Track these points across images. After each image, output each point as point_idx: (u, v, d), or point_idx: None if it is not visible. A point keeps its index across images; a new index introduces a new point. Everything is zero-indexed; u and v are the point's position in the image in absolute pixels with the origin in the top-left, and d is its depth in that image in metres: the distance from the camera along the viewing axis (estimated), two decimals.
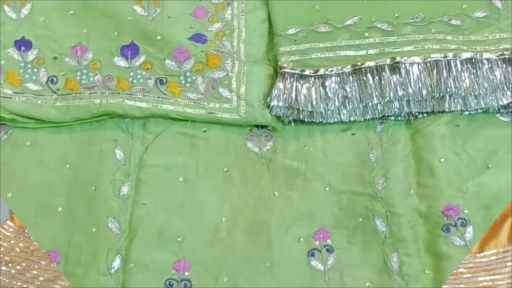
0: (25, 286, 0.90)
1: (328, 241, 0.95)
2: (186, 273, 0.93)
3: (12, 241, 0.95)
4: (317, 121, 1.00)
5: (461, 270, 0.93)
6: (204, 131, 1.02)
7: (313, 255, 0.94)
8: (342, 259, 0.93)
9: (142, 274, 0.92)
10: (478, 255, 0.95)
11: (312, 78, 0.99)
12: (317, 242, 0.94)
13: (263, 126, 1.03)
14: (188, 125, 1.03)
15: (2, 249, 0.94)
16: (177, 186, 0.98)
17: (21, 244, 0.95)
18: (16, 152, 1.01)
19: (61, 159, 1.01)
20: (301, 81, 0.99)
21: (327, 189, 0.98)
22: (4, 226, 0.97)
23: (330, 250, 0.94)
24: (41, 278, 0.92)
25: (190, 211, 0.97)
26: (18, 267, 0.93)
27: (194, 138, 1.02)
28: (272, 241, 0.94)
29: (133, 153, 1.01)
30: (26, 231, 0.96)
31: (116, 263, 0.93)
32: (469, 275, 0.93)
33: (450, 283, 0.91)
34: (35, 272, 0.92)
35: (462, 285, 0.92)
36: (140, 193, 0.98)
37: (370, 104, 0.98)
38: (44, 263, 0.93)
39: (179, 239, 0.94)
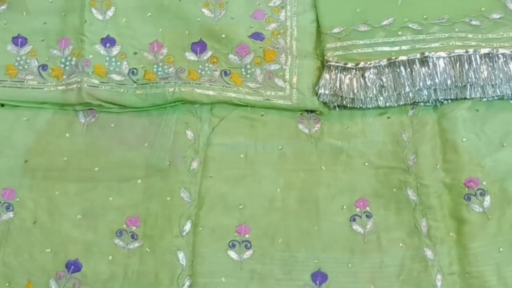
0: None
1: (367, 208, 1.00)
2: (247, 236, 0.98)
3: None
4: (358, 107, 1.05)
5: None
6: (262, 115, 1.07)
7: (354, 220, 0.99)
8: (379, 224, 0.98)
9: (209, 236, 0.98)
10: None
11: (354, 70, 1.05)
12: (357, 209, 1.00)
13: (312, 111, 1.08)
14: (248, 110, 1.07)
15: None
16: (239, 162, 1.04)
17: None
18: (102, 132, 1.06)
19: (140, 139, 1.05)
20: (344, 73, 1.05)
21: (366, 164, 1.03)
22: None
23: (369, 216, 0.99)
24: None
25: (250, 183, 1.02)
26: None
27: (253, 121, 1.07)
28: (320, 208, 1.00)
29: (201, 134, 1.05)
30: None
31: (187, 227, 0.98)
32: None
33: None
34: None
35: None
36: (208, 168, 1.03)
37: (403, 92, 1.04)
38: None
39: (240, 207, 1.00)
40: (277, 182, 1.03)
